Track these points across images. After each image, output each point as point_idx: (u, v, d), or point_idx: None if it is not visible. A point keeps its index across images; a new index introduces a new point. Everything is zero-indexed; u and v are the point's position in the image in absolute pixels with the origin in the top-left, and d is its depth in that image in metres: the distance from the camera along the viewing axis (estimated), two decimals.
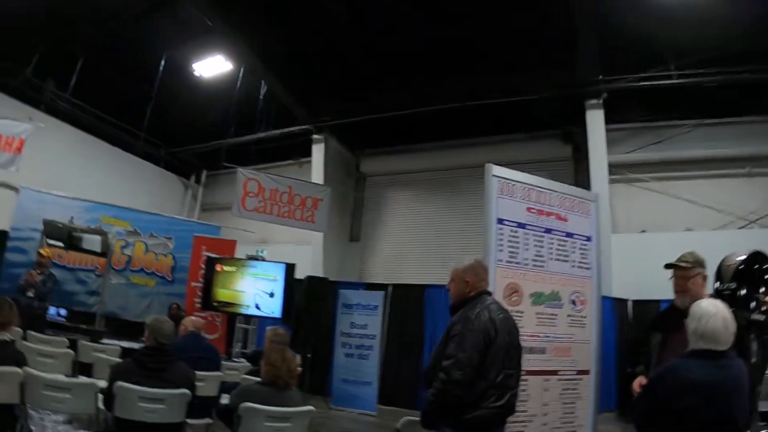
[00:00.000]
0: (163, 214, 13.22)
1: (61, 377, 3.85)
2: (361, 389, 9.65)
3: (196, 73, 12.71)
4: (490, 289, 3.64)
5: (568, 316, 4.81)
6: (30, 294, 8.40)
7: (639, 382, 3.21)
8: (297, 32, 10.80)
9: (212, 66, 12.46)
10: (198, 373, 4.95)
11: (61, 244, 9.61)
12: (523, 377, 3.64)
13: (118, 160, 14.78)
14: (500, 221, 4.66)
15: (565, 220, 5.00)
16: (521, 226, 4.76)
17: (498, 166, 4.79)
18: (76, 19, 11.52)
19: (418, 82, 11.42)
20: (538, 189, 4.91)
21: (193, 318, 5.78)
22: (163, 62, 12.45)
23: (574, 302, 4.86)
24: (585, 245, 5.07)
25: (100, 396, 3.82)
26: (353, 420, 9.25)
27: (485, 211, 4.67)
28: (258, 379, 4.19)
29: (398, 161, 14.16)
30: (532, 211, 4.84)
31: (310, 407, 4.07)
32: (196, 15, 10.92)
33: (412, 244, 13.37)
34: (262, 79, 12.73)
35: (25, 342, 5.78)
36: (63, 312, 9.36)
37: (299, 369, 8.37)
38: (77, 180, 13.06)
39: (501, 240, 4.63)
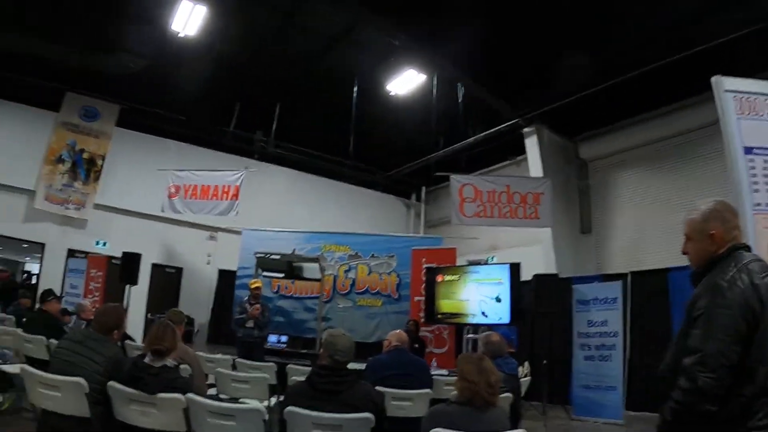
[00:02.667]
0: (381, 233, 13.36)
1: (226, 404, 3.50)
2: (605, 395, 8.51)
3: (392, 93, 12.54)
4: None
5: None
6: (249, 325, 8.85)
7: None
8: (481, 25, 10.04)
9: (405, 82, 12.18)
10: (405, 391, 4.62)
11: (281, 275, 9.91)
12: None
13: (334, 191, 15.76)
14: (748, 150, 3.37)
15: None
16: None
17: (732, 78, 3.59)
18: (266, 68, 12.27)
19: (620, 45, 9.97)
20: None
21: (397, 332, 5.28)
22: (356, 89, 12.59)
23: None
24: None
25: None
26: (597, 430, 8.20)
27: (725, 140, 3.49)
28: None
29: (618, 139, 12.66)
30: None
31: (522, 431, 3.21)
32: (378, 37, 10.86)
33: (649, 226, 11.70)
34: (458, 83, 12.24)
35: (232, 372, 5.76)
36: (284, 339, 9.62)
37: (528, 377, 7.67)
38: (299, 215, 14.05)
39: (754, 175, 3.33)
